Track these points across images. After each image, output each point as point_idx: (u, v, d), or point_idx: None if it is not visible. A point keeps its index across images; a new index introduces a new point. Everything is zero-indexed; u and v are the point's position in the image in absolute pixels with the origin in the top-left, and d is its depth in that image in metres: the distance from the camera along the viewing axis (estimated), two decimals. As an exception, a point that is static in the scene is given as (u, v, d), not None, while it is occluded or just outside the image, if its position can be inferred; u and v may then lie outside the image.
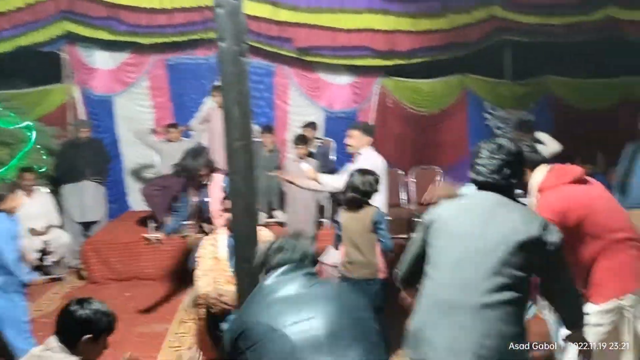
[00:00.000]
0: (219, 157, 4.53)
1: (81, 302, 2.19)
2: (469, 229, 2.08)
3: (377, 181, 3.50)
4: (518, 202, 2.15)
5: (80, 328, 2.12)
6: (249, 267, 2.27)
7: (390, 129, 7.44)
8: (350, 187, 3.44)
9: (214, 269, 3.16)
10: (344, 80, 7.39)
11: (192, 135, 6.65)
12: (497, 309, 1.93)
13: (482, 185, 2.16)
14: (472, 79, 7.43)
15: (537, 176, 2.63)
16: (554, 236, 1.99)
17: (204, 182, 4.39)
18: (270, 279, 1.98)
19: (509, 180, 2.12)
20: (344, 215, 3.53)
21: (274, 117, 7.38)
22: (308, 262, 2.06)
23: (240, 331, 1.86)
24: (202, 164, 4.32)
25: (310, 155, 5.63)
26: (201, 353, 3.35)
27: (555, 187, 2.56)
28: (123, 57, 7.05)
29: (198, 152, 4.42)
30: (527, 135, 5.48)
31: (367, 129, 4.31)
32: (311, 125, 6.48)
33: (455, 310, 1.96)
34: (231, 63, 2.05)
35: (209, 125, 6.27)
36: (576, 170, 2.59)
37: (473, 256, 2.01)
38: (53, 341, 2.13)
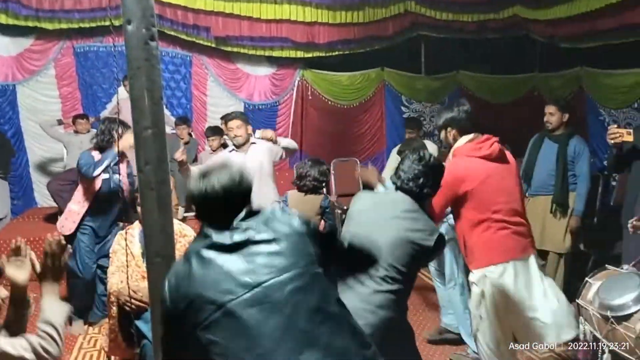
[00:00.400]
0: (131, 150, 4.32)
1: None
2: (375, 222, 2.33)
3: (328, 170, 4.11)
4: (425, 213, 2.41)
5: None
6: (162, 262, 2.18)
7: (310, 121, 7.48)
8: (310, 177, 3.86)
9: (127, 265, 3.02)
10: (264, 71, 7.33)
11: (103, 126, 6.34)
12: (383, 296, 2.23)
13: (399, 189, 2.42)
14: (389, 72, 7.59)
15: (460, 142, 2.86)
16: (440, 249, 2.36)
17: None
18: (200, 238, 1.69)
19: (422, 190, 2.38)
20: (294, 197, 3.93)
21: (191, 108, 7.20)
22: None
23: (183, 307, 1.57)
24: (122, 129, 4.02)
25: (225, 146, 5.54)
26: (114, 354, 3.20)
27: (464, 155, 2.79)
28: (26, 43, 6.57)
29: (113, 119, 4.23)
30: (415, 132, 5.78)
31: (246, 118, 4.33)
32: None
33: (353, 291, 2.21)
34: (139, 47, 1.95)
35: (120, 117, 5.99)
36: (491, 148, 2.78)
37: (371, 247, 2.21)
38: None
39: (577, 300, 2.45)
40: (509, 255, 2.70)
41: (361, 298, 2.23)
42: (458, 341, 3.76)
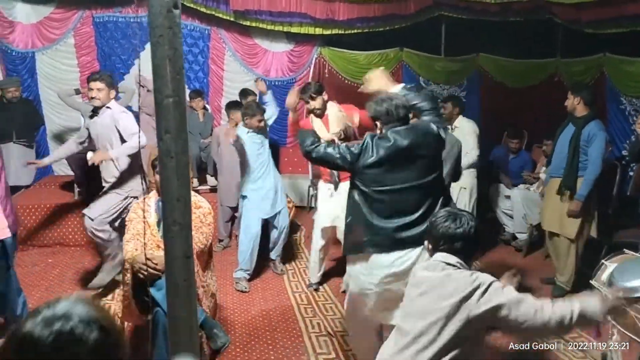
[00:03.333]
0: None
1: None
2: None
3: None
4: None
5: None
6: (179, 231, 2.20)
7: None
8: None
9: (142, 233, 3.06)
10: (281, 47, 7.28)
11: (120, 97, 6.36)
12: None
13: None
14: (407, 53, 7.50)
15: None
16: None
17: None
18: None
19: None
20: None
21: (208, 82, 7.20)
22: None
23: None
24: None
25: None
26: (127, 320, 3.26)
27: None
28: (46, 11, 6.61)
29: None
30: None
31: (111, 82, 4.30)
32: (248, 92, 6.36)
33: None
34: (162, 15, 1.94)
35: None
36: None
37: None
38: None
39: (591, 281, 2.45)
40: None
41: None
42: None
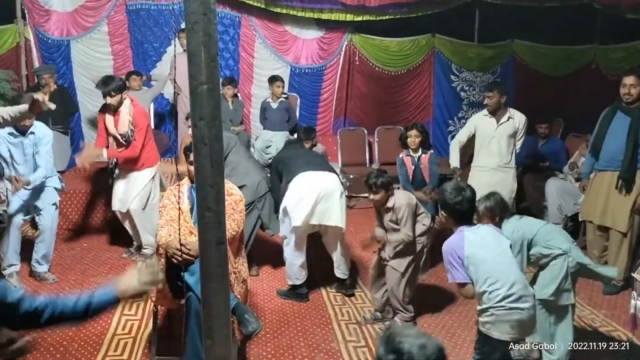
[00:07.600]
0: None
1: None
2: None
3: None
4: None
5: None
6: (212, 217, 2.21)
7: (356, 87, 7.39)
8: None
9: (176, 219, 3.09)
10: (312, 34, 7.24)
11: (152, 85, 6.43)
12: None
13: None
14: (440, 39, 7.40)
15: None
16: None
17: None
18: None
19: None
20: None
21: (238, 70, 7.21)
22: None
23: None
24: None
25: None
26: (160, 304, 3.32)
27: None
28: (81, -1, 6.70)
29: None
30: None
31: None
32: (277, 79, 6.37)
33: None
34: (197, 1, 1.94)
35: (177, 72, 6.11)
36: None
37: None
38: None
39: (632, 274, 2.38)
40: None
41: None
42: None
